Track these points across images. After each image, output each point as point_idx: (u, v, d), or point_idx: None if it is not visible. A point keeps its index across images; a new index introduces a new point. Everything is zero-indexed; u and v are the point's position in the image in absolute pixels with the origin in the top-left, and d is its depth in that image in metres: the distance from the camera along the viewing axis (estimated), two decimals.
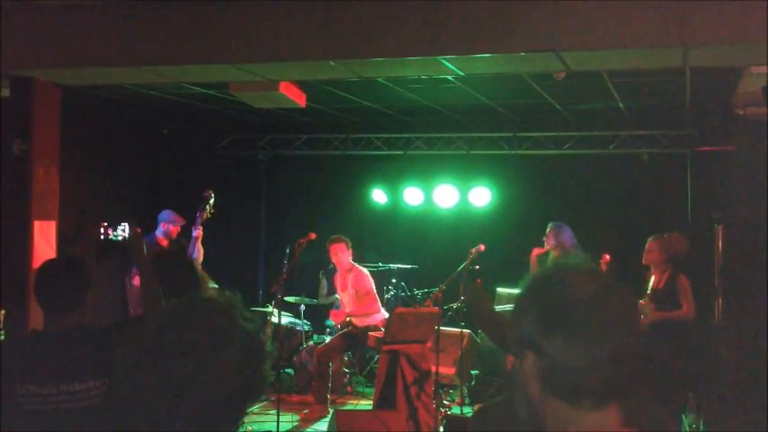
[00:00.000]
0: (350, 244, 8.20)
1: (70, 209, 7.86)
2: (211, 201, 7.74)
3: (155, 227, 8.04)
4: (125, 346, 1.56)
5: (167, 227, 8.00)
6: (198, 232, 7.73)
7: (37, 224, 6.43)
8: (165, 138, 10.28)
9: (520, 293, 1.48)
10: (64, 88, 6.65)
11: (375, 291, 8.25)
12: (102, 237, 6.35)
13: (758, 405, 6.11)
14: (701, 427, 6.74)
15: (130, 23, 5.77)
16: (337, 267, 8.34)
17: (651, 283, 6.93)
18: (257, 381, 1.59)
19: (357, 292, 8.09)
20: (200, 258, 7.98)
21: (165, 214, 8.07)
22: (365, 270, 8.30)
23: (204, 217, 7.75)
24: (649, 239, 6.96)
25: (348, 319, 8.13)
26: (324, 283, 9.69)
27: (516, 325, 1.45)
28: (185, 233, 7.94)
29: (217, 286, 8.06)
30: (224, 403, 1.54)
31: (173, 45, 5.76)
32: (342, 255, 8.17)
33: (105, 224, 6.43)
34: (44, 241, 6.48)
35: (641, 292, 6.99)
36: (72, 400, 2.96)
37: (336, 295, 8.74)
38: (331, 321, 8.93)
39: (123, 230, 6.36)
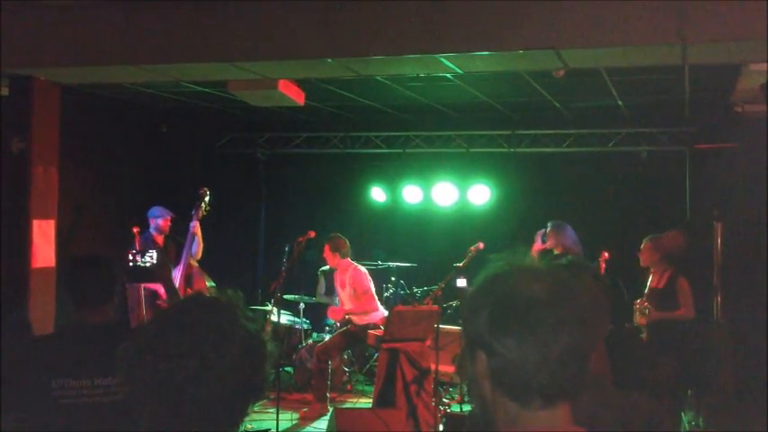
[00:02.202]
0: (336, 245, 8.16)
1: (68, 207, 7.87)
2: (207, 198, 7.76)
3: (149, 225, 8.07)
4: (126, 345, 1.56)
5: (156, 222, 8.02)
6: (194, 229, 7.75)
7: (36, 223, 6.43)
8: (163, 136, 10.28)
9: (472, 292, 1.47)
10: (62, 87, 6.64)
11: (373, 289, 8.25)
12: (130, 263, 6.41)
13: (757, 402, 6.12)
14: (701, 424, 6.75)
15: (129, 22, 5.77)
16: (331, 267, 8.39)
17: (649, 283, 6.93)
18: (259, 381, 1.59)
19: (355, 291, 8.10)
20: (200, 254, 8.00)
21: (153, 210, 8.09)
22: (363, 269, 8.30)
23: (200, 214, 7.77)
24: (644, 240, 6.98)
25: (347, 316, 8.14)
26: (322, 281, 9.69)
27: (468, 324, 1.45)
28: (181, 231, 7.95)
29: (215, 285, 8.10)
30: (225, 403, 1.54)
31: (171, 43, 5.76)
32: (327, 255, 8.21)
33: (133, 251, 6.49)
34: (43, 240, 6.47)
35: (639, 290, 6.99)
36: (105, 393, 3.00)
37: (337, 299, 8.75)
38: (330, 320, 8.94)
39: (151, 257, 6.42)
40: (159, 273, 6.85)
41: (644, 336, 6.76)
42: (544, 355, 1.36)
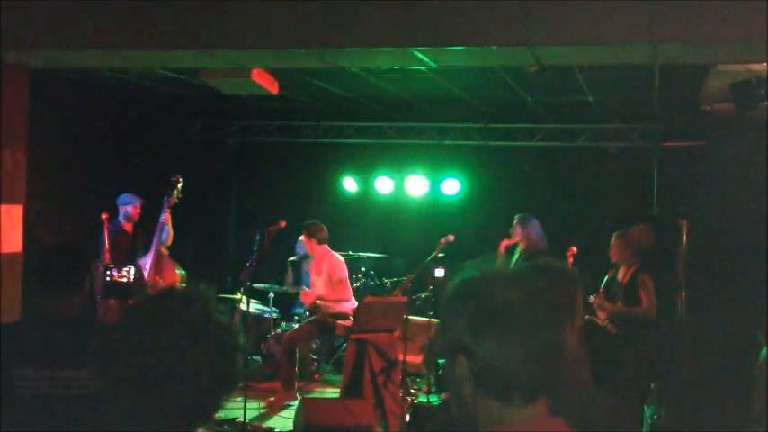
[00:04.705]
0: (312, 231, 8.18)
1: (36, 193, 7.77)
2: (179, 185, 7.71)
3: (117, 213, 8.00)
4: (101, 339, 1.57)
5: (126, 209, 7.96)
6: (165, 217, 7.70)
7: (2, 208, 6.34)
8: (134, 123, 10.18)
9: (448, 298, 1.53)
10: (31, 71, 6.55)
11: (348, 279, 8.28)
12: (107, 278, 6.28)
13: (719, 396, 6.25)
14: (662, 416, 6.87)
15: (101, 7, 5.70)
16: (309, 254, 8.40)
17: (608, 278, 7.02)
18: (232, 373, 1.62)
19: (330, 279, 8.12)
20: (170, 241, 7.96)
21: (122, 197, 8.02)
22: (341, 258, 8.33)
23: (172, 202, 7.72)
24: (613, 237, 7.06)
25: (317, 301, 8.14)
26: (290, 271, 9.69)
27: (447, 330, 1.51)
28: (153, 218, 7.90)
29: (184, 272, 8.08)
30: (200, 396, 1.56)
31: (143, 30, 5.70)
32: (305, 242, 8.23)
33: (111, 266, 6.35)
34: (10, 225, 6.39)
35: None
36: (66, 386, 2.97)
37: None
38: (299, 308, 8.95)
39: (129, 272, 6.30)
40: (135, 290, 6.77)
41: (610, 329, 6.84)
42: (522, 356, 1.44)
